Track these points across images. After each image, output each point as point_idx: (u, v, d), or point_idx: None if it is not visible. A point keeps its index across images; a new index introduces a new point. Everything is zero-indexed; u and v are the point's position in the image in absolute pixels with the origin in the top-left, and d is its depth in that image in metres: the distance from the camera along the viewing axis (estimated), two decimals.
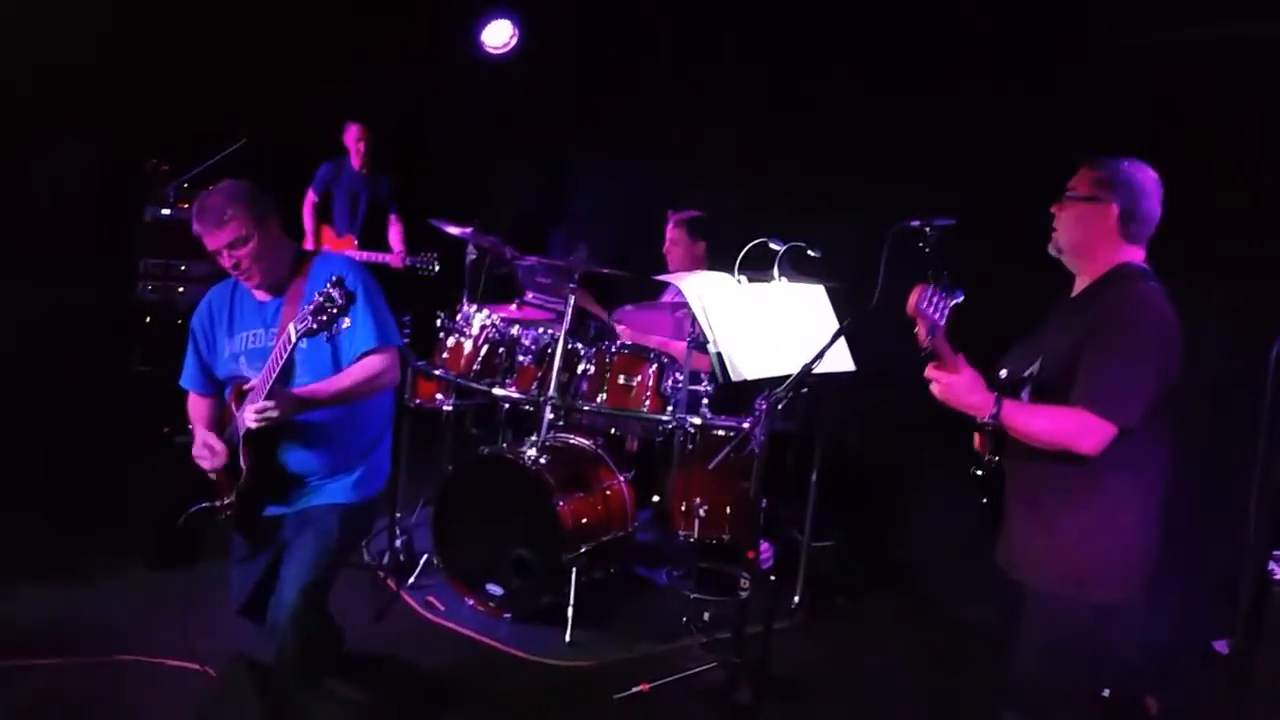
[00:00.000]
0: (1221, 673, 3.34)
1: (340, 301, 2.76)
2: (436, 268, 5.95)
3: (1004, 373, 2.64)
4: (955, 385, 2.50)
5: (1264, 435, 2.21)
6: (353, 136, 6.30)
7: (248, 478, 3.02)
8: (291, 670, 3.02)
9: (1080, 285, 2.66)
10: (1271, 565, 3.33)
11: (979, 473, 2.66)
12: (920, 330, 2.45)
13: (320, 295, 2.78)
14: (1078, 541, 2.52)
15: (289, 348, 2.87)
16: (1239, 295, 3.81)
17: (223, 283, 3.24)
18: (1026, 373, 2.60)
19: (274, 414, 2.85)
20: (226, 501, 3.10)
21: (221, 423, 3.19)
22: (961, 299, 2.45)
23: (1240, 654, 2.83)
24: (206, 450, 3.06)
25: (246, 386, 3.01)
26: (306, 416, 3.00)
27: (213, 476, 3.14)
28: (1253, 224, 3.96)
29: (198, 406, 3.28)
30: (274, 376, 2.89)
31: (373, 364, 3.04)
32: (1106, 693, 3.36)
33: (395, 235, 6.43)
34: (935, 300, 2.41)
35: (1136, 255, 2.58)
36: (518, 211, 6.93)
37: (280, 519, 3.16)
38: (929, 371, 2.55)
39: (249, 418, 2.86)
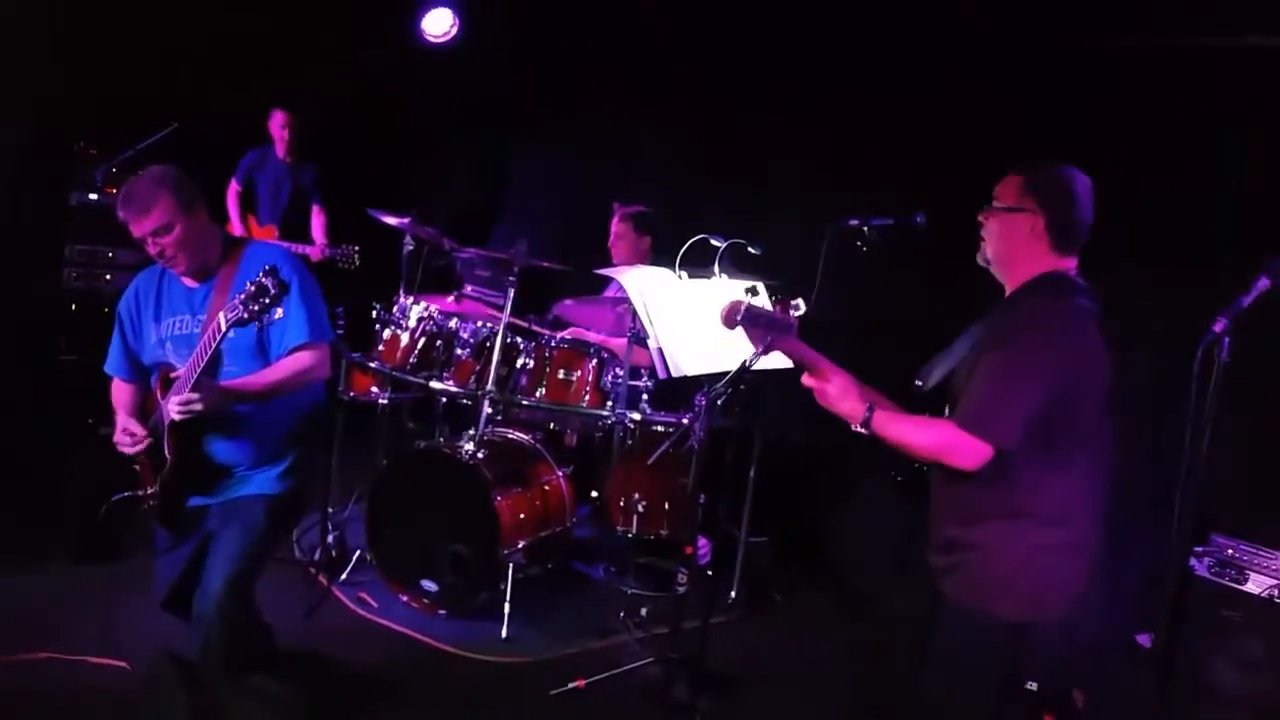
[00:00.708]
0: (1145, 666, 3.43)
1: (273, 291, 2.70)
2: (357, 261, 5.87)
3: (919, 383, 2.62)
4: (825, 393, 2.48)
5: (1188, 434, 2.26)
6: (277, 124, 6.18)
7: (171, 467, 2.96)
8: (216, 664, 2.96)
9: (1008, 293, 2.61)
10: (1193, 562, 3.44)
11: (899, 479, 2.67)
12: (753, 344, 2.45)
13: (253, 284, 2.72)
14: (989, 558, 2.47)
15: (218, 337, 2.80)
16: (1165, 295, 3.91)
17: (151, 268, 3.18)
18: (933, 383, 2.58)
19: (198, 406, 2.80)
20: (150, 491, 3.04)
21: (146, 410, 3.13)
22: (803, 309, 2.45)
23: (1163, 647, 2.90)
24: (128, 436, 3.00)
25: (173, 375, 2.95)
26: (233, 409, 2.96)
27: (136, 466, 3.07)
28: (1176, 224, 4.07)
29: (121, 392, 3.22)
30: (201, 366, 2.83)
31: (303, 359, 3.00)
32: (1034, 686, 3.42)
33: (318, 226, 6.31)
34: (761, 314, 2.41)
35: (1066, 265, 2.51)
36: (458, 203, 6.85)
37: (205, 509, 3.10)
38: (805, 381, 2.53)
39: (173, 409, 2.81)
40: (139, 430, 2.99)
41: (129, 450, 3.01)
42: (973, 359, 2.48)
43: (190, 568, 3.08)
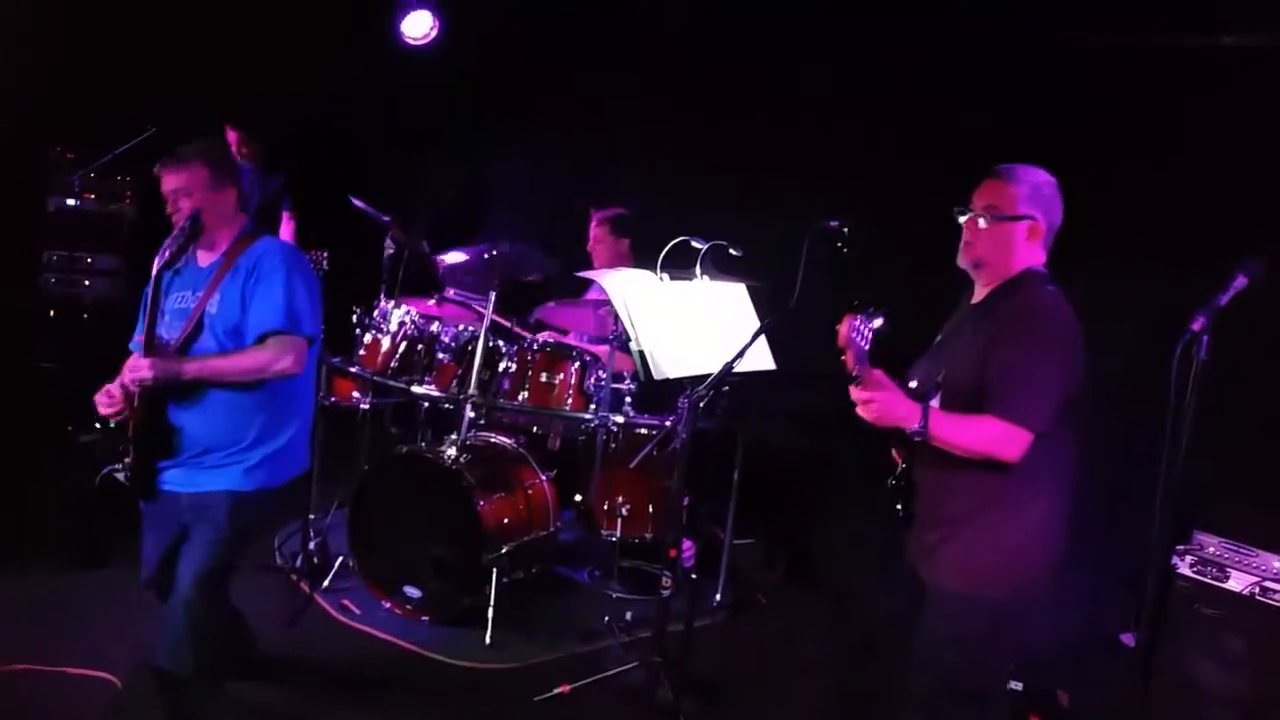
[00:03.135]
0: (1128, 664, 3.44)
1: (188, 229, 2.99)
2: (325, 266, 5.82)
3: (914, 383, 2.65)
4: (884, 402, 2.49)
5: (1168, 433, 2.27)
6: (230, 141, 6.09)
7: (137, 430, 3.01)
8: (185, 663, 2.99)
9: (981, 292, 2.67)
10: (1174, 560, 3.45)
11: (895, 484, 2.69)
12: (849, 359, 2.44)
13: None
14: (979, 541, 2.55)
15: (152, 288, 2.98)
16: (1144, 293, 3.93)
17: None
18: (928, 381, 2.62)
19: (145, 375, 2.87)
20: (127, 461, 3.06)
21: None
22: (883, 322, 2.45)
23: (1145, 646, 2.91)
24: (105, 398, 3.03)
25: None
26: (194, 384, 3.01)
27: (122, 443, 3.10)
28: (1156, 222, 4.09)
29: None
30: (146, 331, 2.98)
31: (271, 348, 3.01)
32: (1019, 686, 3.44)
33: (286, 233, 6.22)
34: (861, 328, 2.42)
35: (1039, 259, 2.62)
36: (439, 206, 6.83)
37: (178, 496, 3.09)
38: (855, 394, 2.52)
39: (125, 375, 2.91)
40: (115, 391, 3.02)
41: (104, 411, 3.05)
42: (975, 352, 2.53)
43: (169, 557, 3.12)
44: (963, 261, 2.66)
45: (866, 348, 2.44)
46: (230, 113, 5.89)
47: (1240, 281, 2.28)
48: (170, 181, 3.04)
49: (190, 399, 3.02)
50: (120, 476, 3.10)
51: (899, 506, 2.69)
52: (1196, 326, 2.23)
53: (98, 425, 3.13)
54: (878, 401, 2.48)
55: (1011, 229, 2.57)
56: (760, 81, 5.58)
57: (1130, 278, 3.97)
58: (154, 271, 3.01)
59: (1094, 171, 3.94)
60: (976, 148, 2.94)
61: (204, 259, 3.14)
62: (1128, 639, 3.61)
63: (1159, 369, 2.28)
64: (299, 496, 4.35)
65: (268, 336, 3.01)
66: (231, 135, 6.02)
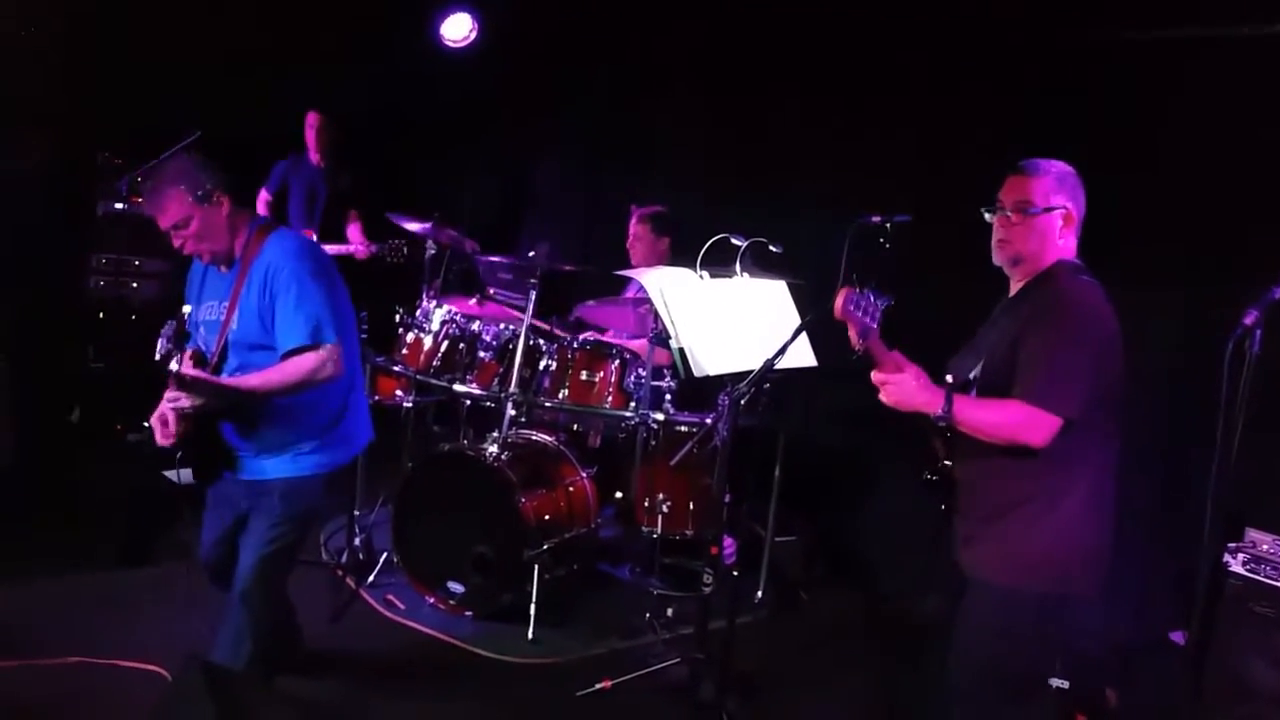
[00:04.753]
0: (1178, 664, 3.38)
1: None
2: (405, 253, 5.84)
3: (950, 377, 2.63)
4: (904, 385, 2.50)
5: (1220, 431, 2.23)
6: (310, 124, 6.16)
7: (184, 444, 3.00)
8: (244, 651, 3.05)
9: (1016, 286, 2.69)
10: (1226, 558, 3.39)
11: (932, 478, 2.67)
12: (851, 333, 2.45)
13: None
14: (1022, 533, 2.54)
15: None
16: (1195, 288, 3.86)
17: None
18: (971, 374, 2.62)
19: (184, 405, 2.89)
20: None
21: None
22: (891, 303, 2.45)
23: (1196, 645, 2.87)
24: (161, 425, 3.00)
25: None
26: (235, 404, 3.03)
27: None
28: (1205, 220, 4.01)
29: None
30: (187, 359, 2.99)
31: (302, 362, 2.98)
32: (1066, 684, 3.39)
33: (354, 232, 6.31)
34: (864, 303, 2.41)
35: (1071, 250, 2.63)
36: (479, 206, 6.87)
37: (236, 483, 3.15)
38: (874, 377, 2.54)
39: (164, 405, 2.90)
40: (170, 418, 2.98)
41: (162, 442, 3.02)
42: (1007, 342, 2.53)
43: (228, 540, 3.18)
44: (999, 259, 2.66)
45: (874, 325, 2.43)
46: (306, 101, 5.98)
47: None
48: (164, 219, 2.98)
49: (234, 416, 3.07)
50: (172, 476, 3.13)
51: (940, 504, 2.68)
52: (1249, 320, 2.19)
53: (146, 424, 3.16)
54: (894, 384, 2.50)
55: (1047, 221, 2.58)
56: (800, 76, 5.55)
57: (1187, 274, 3.91)
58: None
59: (1142, 171, 3.89)
60: (1022, 144, 2.90)
61: (223, 266, 3.15)
62: (1178, 637, 3.55)
63: (1213, 366, 2.24)
64: (345, 494, 4.41)
65: (293, 354, 3.00)
66: (312, 118, 6.09)
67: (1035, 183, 2.59)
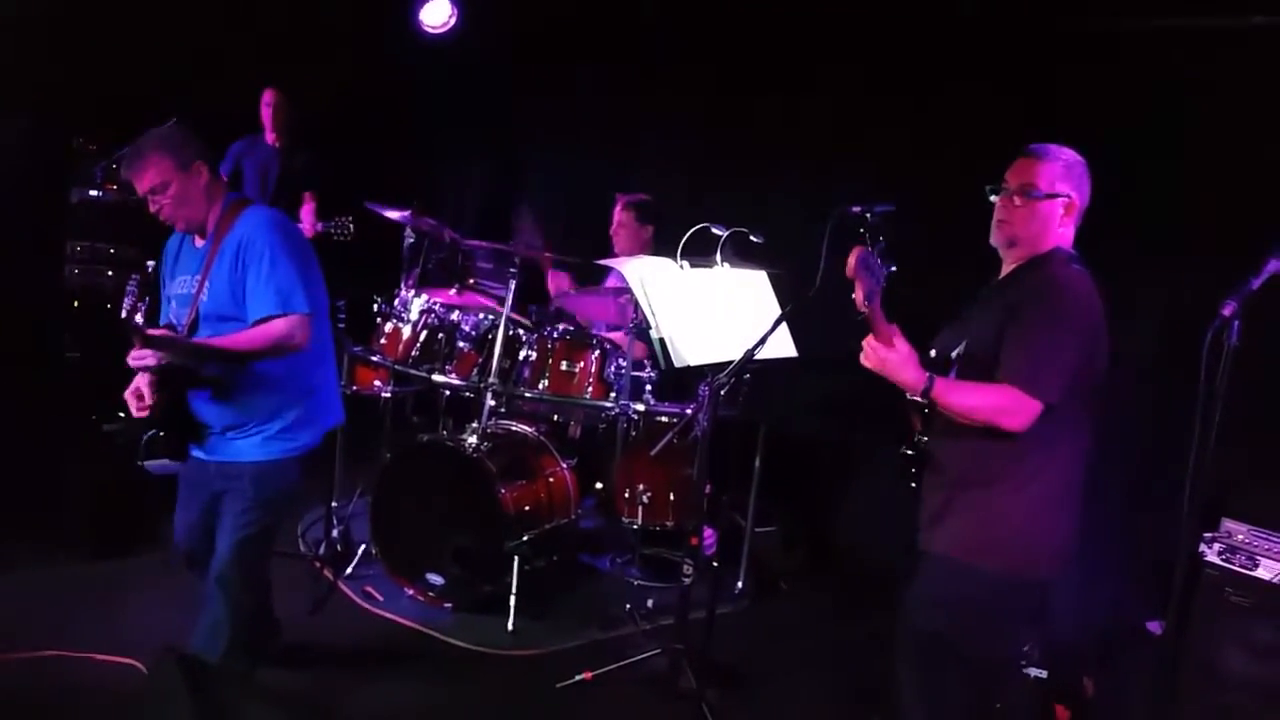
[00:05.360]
0: (1154, 652, 3.41)
1: None
2: (351, 229, 5.75)
3: (933, 353, 2.66)
4: (890, 360, 2.51)
5: (1198, 420, 2.24)
6: (266, 101, 6.06)
7: (156, 412, 3.04)
8: (221, 639, 3.04)
9: (1007, 269, 2.69)
10: (1203, 548, 3.41)
11: (908, 452, 2.69)
12: (858, 293, 2.45)
13: None
14: (985, 511, 2.56)
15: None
16: (1174, 280, 3.88)
17: None
18: (954, 353, 2.62)
19: (149, 361, 2.90)
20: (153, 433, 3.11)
21: None
22: (894, 270, 2.47)
23: (1173, 634, 2.88)
24: (135, 398, 3.06)
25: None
26: (210, 369, 3.03)
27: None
28: (1187, 210, 4.03)
29: None
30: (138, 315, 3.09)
31: (271, 328, 3.00)
32: (1044, 674, 3.42)
33: (307, 213, 6.17)
34: (873, 264, 2.42)
35: (1069, 238, 2.64)
36: (460, 194, 6.83)
37: (207, 465, 3.14)
38: (866, 342, 2.55)
39: (138, 379, 2.95)
40: (144, 390, 3.05)
41: (137, 413, 3.07)
42: (992, 326, 2.54)
43: (202, 524, 3.17)
44: (996, 240, 2.67)
45: (880, 286, 2.44)
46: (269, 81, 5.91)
47: (1273, 265, 2.25)
48: (142, 182, 3.00)
49: (204, 385, 3.06)
50: (149, 467, 3.11)
51: (912, 476, 2.70)
52: (1227, 311, 2.19)
53: (121, 415, 3.16)
54: (886, 359, 2.50)
55: (1048, 207, 2.59)
56: (782, 66, 5.54)
57: (1162, 261, 3.92)
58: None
59: (1119, 154, 3.89)
60: (1003, 134, 2.90)
61: (198, 240, 3.15)
62: (1154, 627, 3.58)
63: (1190, 355, 2.25)
64: (323, 485, 4.38)
65: (262, 321, 3.01)
66: (268, 96, 6.00)
67: (1042, 167, 2.59)
